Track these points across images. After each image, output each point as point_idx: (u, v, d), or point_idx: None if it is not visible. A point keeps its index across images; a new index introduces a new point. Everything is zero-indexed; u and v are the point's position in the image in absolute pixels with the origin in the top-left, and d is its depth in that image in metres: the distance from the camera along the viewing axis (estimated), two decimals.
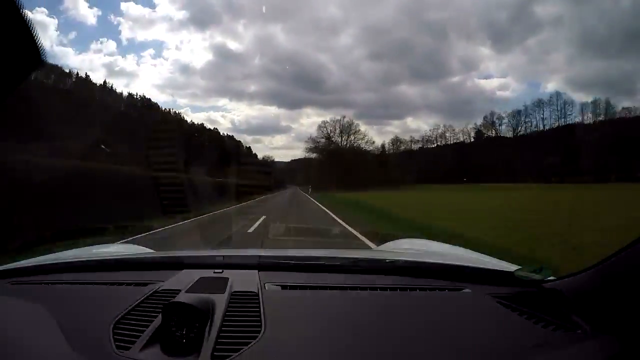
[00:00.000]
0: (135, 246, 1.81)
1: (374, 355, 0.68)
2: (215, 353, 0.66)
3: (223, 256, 1.24)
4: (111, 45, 73.02)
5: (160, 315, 0.73)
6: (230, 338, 0.70)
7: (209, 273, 1.01)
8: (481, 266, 1.12)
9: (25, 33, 0.48)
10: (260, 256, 1.23)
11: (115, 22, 78.77)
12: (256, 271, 1.04)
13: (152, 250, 1.66)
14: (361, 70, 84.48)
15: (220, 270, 1.03)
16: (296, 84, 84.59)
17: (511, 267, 1.03)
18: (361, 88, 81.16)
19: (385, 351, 0.68)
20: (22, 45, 0.49)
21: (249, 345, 0.68)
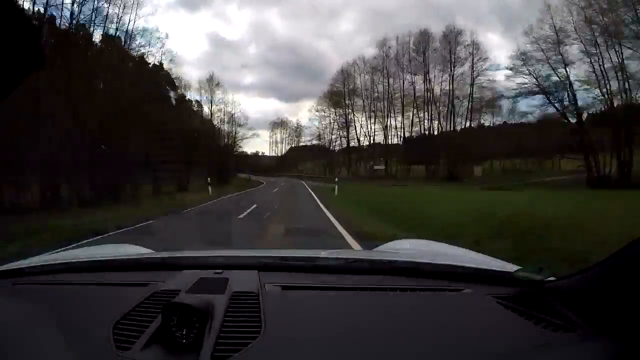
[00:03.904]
0: (136, 246, 1.81)
1: (373, 355, 0.68)
2: (215, 353, 0.66)
3: (223, 257, 1.24)
4: (96, 33, 70.86)
5: (160, 316, 0.73)
6: (230, 338, 0.70)
7: (209, 273, 1.01)
8: (481, 267, 1.12)
9: (28, 33, 0.48)
10: (260, 257, 1.23)
11: (98, 5, 75.79)
12: (256, 271, 1.04)
13: (152, 251, 1.66)
14: (365, 59, 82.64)
15: (220, 271, 1.03)
16: (295, 75, 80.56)
17: (511, 268, 1.03)
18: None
19: (385, 352, 0.69)
20: (24, 45, 0.49)
21: (249, 346, 0.68)
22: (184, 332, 0.69)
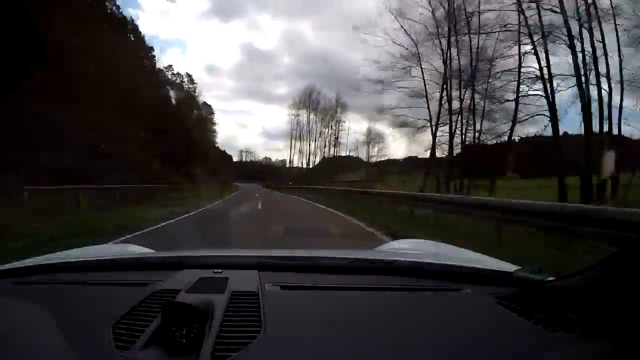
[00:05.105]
0: (136, 246, 1.81)
1: (373, 356, 0.68)
2: (215, 353, 0.66)
3: (223, 256, 1.24)
4: None
5: (159, 315, 0.73)
6: (230, 338, 0.70)
7: (208, 273, 1.02)
8: (481, 267, 1.12)
9: (29, 33, 0.48)
10: (260, 256, 1.23)
11: (134, 15, 75.66)
12: (256, 271, 1.04)
13: (152, 250, 1.66)
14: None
15: (220, 270, 1.03)
16: (328, 86, 78.61)
17: (511, 268, 1.03)
18: (397, 91, 76.51)
19: (385, 352, 0.69)
20: (25, 44, 0.49)
21: (249, 345, 0.68)
22: (183, 332, 0.69)
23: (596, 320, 0.71)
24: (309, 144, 46.50)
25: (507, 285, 0.94)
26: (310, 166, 46.45)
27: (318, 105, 43.77)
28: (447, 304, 0.91)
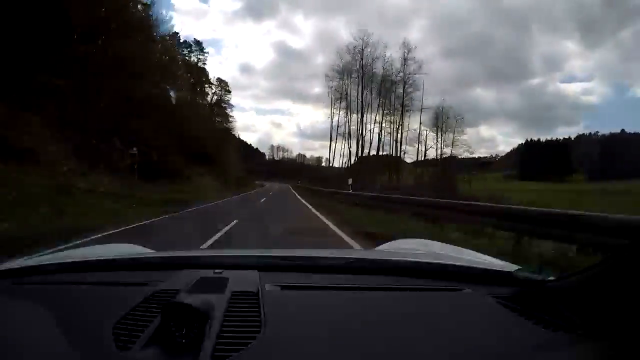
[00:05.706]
0: (136, 246, 1.81)
1: (373, 355, 0.68)
2: (215, 353, 0.66)
3: (223, 256, 1.24)
4: None
5: (159, 316, 0.73)
6: (230, 338, 0.70)
7: (209, 273, 1.02)
8: (481, 266, 1.12)
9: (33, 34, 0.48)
10: (260, 256, 1.23)
11: (167, 17, 73.96)
12: (256, 271, 1.04)
13: (152, 250, 1.66)
14: (432, 69, 76.37)
15: (220, 271, 1.03)
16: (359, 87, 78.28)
17: (511, 268, 1.03)
18: (433, 90, 71.98)
19: (385, 352, 0.69)
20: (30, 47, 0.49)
21: (249, 346, 0.68)
22: (183, 332, 0.69)
23: (596, 320, 0.71)
24: (361, 127, 33.74)
25: (507, 285, 0.94)
26: (353, 161, 38.63)
27: (372, 70, 31.27)
28: (447, 304, 0.91)
